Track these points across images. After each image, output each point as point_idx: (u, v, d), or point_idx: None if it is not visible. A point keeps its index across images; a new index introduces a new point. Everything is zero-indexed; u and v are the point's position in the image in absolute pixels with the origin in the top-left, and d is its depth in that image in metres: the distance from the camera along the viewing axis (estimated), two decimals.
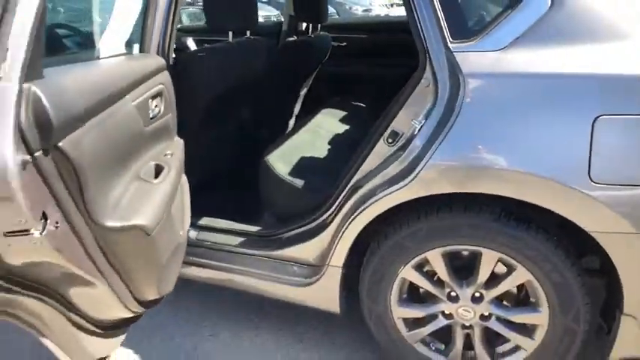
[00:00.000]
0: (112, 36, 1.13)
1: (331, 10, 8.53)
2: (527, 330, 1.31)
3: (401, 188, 1.23)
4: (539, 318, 1.27)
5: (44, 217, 0.74)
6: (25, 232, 0.71)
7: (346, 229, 1.35)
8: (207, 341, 1.65)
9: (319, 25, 2.61)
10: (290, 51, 2.45)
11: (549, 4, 1.16)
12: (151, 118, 1.19)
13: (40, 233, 0.73)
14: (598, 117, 1.06)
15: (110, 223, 0.91)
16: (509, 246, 1.22)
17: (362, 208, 1.31)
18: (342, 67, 2.81)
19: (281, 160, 1.72)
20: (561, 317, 1.24)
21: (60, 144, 0.77)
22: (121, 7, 1.17)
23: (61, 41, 1.45)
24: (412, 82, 1.30)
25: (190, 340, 1.66)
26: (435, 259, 1.30)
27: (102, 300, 0.99)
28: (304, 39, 2.56)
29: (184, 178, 1.46)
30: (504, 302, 1.34)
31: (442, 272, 1.31)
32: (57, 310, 0.92)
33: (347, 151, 1.60)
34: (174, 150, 1.32)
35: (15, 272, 0.78)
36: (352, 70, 2.82)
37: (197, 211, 1.63)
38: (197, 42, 2.93)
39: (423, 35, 1.23)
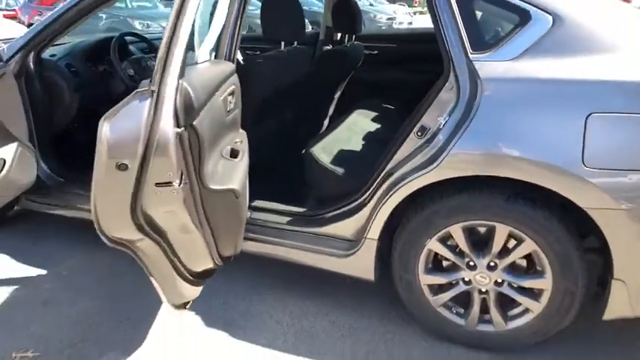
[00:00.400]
0: (204, 46, 1.44)
1: None
2: (534, 294, 1.56)
3: (428, 172, 1.50)
4: (544, 283, 1.51)
5: (181, 175, 1.05)
6: (169, 183, 1.01)
7: (381, 207, 1.62)
8: (258, 303, 1.93)
9: (354, 36, 2.90)
10: (327, 59, 2.74)
11: (551, 23, 1.42)
12: (228, 111, 1.49)
13: (179, 185, 1.02)
14: (590, 114, 1.32)
15: (212, 186, 1.21)
16: (517, 221, 1.47)
17: (395, 189, 1.58)
18: (374, 73, 3.08)
19: (324, 152, 2.01)
20: (562, 282, 1.48)
21: (194, 123, 1.07)
22: (214, 22, 1.48)
23: None
24: (438, 84, 1.57)
25: (242, 302, 1.93)
26: (456, 232, 1.56)
27: (197, 251, 1.29)
28: (339, 48, 2.86)
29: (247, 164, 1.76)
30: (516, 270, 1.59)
31: (462, 244, 1.57)
32: (165, 255, 1.22)
33: (378, 145, 1.88)
34: (242, 139, 1.62)
35: (148, 220, 1.08)
36: (383, 76, 3.09)
37: (250, 194, 1.92)
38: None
39: (448, 47, 1.51)
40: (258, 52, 3.01)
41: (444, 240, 1.61)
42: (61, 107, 2.29)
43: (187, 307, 1.43)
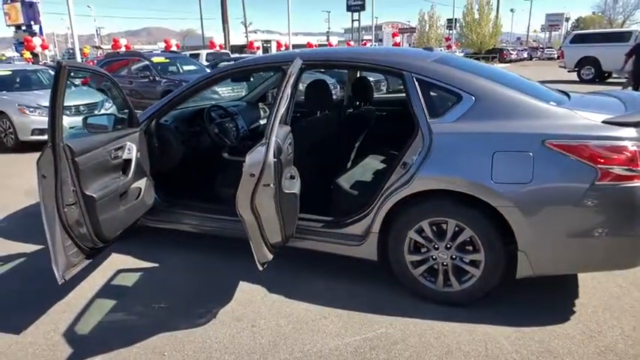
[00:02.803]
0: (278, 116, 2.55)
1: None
2: (475, 264, 2.50)
3: (405, 189, 2.52)
4: (480, 256, 2.46)
5: (274, 181, 2.14)
6: (269, 185, 2.10)
7: (379, 211, 2.63)
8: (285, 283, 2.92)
9: (368, 103, 4.02)
10: (349, 119, 3.85)
11: (474, 101, 2.47)
12: (289, 153, 2.57)
13: (272, 186, 2.11)
14: (495, 152, 2.33)
15: (286, 190, 2.28)
16: (460, 217, 2.45)
17: (387, 200, 2.59)
18: (384, 128, 4.17)
19: (345, 181, 3.05)
20: (490, 255, 2.43)
21: (280, 157, 2.17)
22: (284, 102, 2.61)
23: None
24: (413, 137, 2.61)
25: (272, 280, 2.93)
26: (425, 226, 2.55)
27: (275, 229, 2.34)
28: (357, 111, 3.97)
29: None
30: (462, 250, 2.54)
31: (429, 233, 2.55)
32: (259, 229, 2.27)
33: (382, 177, 2.90)
34: (295, 171, 2.69)
35: (256, 206, 2.17)
36: (390, 130, 4.16)
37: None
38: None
39: (416, 114, 2.56)
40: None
41: (419, 231, 2.58)
42: (169, 154, 3.44)
43: (265, 266, 2.45)
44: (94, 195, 2.46)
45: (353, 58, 3.00)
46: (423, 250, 2.62)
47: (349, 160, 4.04)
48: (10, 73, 8.60)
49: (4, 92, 7.87)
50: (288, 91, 2.20)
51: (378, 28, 71.63)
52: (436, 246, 2.56)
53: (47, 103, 7.03)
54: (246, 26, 46.95)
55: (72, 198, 2.39)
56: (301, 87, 3.89)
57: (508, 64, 33.52)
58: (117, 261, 3.29)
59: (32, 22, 34.99)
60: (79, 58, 16.48)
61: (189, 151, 3.51)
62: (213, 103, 4.24)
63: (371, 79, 4.83)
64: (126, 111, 3.08)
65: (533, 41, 77.40)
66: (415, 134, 2.58)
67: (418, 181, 2.48)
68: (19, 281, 3.07)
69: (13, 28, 34.46)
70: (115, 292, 2.90)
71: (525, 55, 44.99)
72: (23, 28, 34.56)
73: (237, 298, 2.77)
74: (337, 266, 2.99)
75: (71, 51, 29.73)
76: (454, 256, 2.54)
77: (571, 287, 2.78)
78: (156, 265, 3.24)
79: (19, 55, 29.69)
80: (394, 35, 43.16)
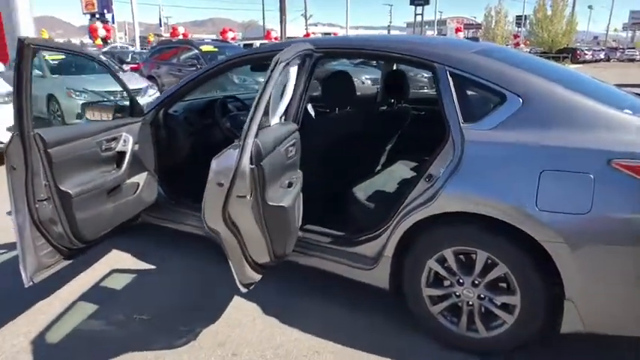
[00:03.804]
0: (276, 113, 2.16)
1: None
2: (508, 308, 2.00)
3: (426, 208, 2.05)
4: (515, 299, 1.96)
5: (251, 192, 1.75)
6: (244, 196, 1.71)
7: (394, 233, 2.19)
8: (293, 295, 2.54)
9: (402, 100, 3.53)
10: (380, 117, 3.39)
11: (521, 103, 1.95)
12: (289, 157, 2.18)
13: (249, 198, 1.72)
14: (543, 171, 1.81)
15: (270, 203, 1.89)
16: (492, 249, 1.96)
17: (404, 219, 2.14)
18: (420, 130, 3.67)
19: (362, 191, 2.62)
20: (529, 300, 1.92)
21: (261, 163, 1.78)
22: (284, 98, 2.20)
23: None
24: (442, 144, 2.13)
25: (282, 296, 2.56)
26: (449, 255, 2.07)
27: (259, 246, 1.96)
28: (390, 109, 3.50)
29: (301, 195, 2.41)
30: (494, 288, 2.04)
31: (453, 265, 2.08)
32: (238, 245, 1.90)
33: (407, 188, 2.44)
34: (298, 177, 2.30)
35: (231, 219, 1.78)
36: (427, 133, 3.66)
37: (304, 220, 2.56)
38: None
39: (448, 118, 2.09)
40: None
41: (441, 261, 2.12)
42: (177, 148, 3.15)
43: (250, 287, 2.08)
44: (69, 191, 2.20)
45: (374, 47, 2.53)
46: (445, 283, 2.15)
47: (378, 164, 3.59)
48: (64, 57, 8.79)
49: (56, 76, 8.05)
50: (273, 82, 1.80)
51: (442, 23, 69.30)
52: (461, 281, 2.08)
53: (94, 88, 7.05)
54: (306, 18, 46.97)
55: (44, 193, 2.14)
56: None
57: (580, 65, 31.05)
58: (114, 258, 3.06)
59: (105, 11, 36.89)
60: (138, 45, 16.95)
61: (199, 145, 3.20)
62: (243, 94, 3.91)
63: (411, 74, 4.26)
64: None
65: (613, 41, 71.82)
66: (445, 141, 2.10)
67: (443, 199, 2.02)
68: (10, 275, 2.90)
69: (89, 16, 36.51)
70: (101, 295, 2.65)
71: (602, 55, 41.63)
72: (97, 15, 36.51)
73: (226, 317, 2.42)
74: (340, 287, 2.57)
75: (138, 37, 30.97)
76: (482, 296, 2.05)
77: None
78: (152, 267, 2.97)
79: (92, 41, 31.31)
80: (457, 31, 41.42)
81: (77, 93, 7.47)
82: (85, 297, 2.62)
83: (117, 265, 2.98)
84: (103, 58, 9.49)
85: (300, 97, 2.49)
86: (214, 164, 1.75)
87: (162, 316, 2.44)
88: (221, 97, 3.44)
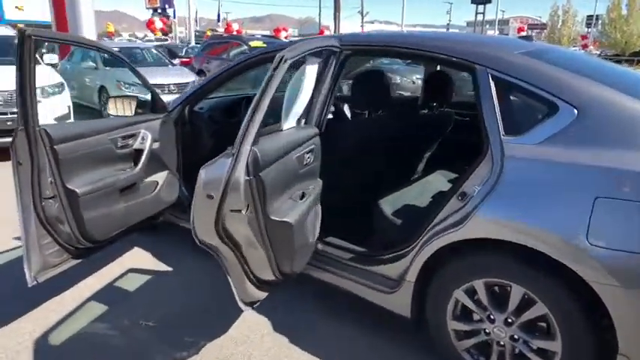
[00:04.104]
0: (291, 116, 1.96)
1: None
2: (546, 355, 1.70)
3: (455, 232, 1.79)
4: (555, 345, 1.66)
5: (247, 206, 1.56)
6: (238, 210, 1.53)
7: (419, 255, 1.93)
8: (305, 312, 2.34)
9: (445, 104, 3.23)
10: (420, 122, 3.11)
11: (576, 115, 1.64)
12: (305, 165, 1.98)
13: (244, 212, 1.53)
14: (597, 198, 1.50)
15: (273, 217, 1.69)
16: (531, 285, 1.66)
17: (431, 241, 1.88)
18: (465, 137, 3.35)
19: (389, 203, 2.37)
20: (571, 348, 1.62)
21: (260, 174, 1.59)
22: (301, 99, 1.99)
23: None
24: (480, 158, 1.85)
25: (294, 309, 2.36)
26: (479, 287, 1.80)
27: (261, 262, 1.78)
28: (431, 114, 3.21)
29: (319, 206, 2.21)
30: (530, 330, 1.75)
31: (484, 298, 1.80)
32: (238, 261, 1.72)
33: (441, 203, 2.16)
34: (315, 186, 2.09)
35: (228, 233, 1.60)
36: (472, 140, 3.33)
37: (324, 231, 2.35)
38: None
39: (487, 128, 1.80)
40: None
41: (470, 292, 1.84)
42: (201, 147, 3.03)
43: (254, 306, 1.91)
44: (77, 190, 2.12)
45: (407, 44, 2.24)
46: (474, 318, 1.88)
47: (414, 173, 3.31)
48: (118, 50, 9.06)
49: (108, 68, 8.29)
50: (275, 82, 1.59)
51: (505, 22, 66.50)
52: (492, 317, 1.80)
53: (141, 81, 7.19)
54: (362, 15, 46.48)
55: (50, 190, 2.06)
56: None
57: None
58: (132, 258, 2.99)
59: (167, 6, 38.26)
60: (193, 40, 17.32)
61: (224, 144, 3.06)
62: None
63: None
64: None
65: None
66: (482, 155, 1.83)
67: (476, 222, 1.75)
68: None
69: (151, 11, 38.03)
70: (113, 296, 2.58)
71: None
72: (159, 10, 37.91)
73: (234, 331, 2.27)
74: (361, 309, 2.33)
75: (197, 33, 31.86)
76: (516, 337, 1.76)
77: None
78: (168, 269, 2.87)
79: (153, 35, 32.52)
80: (520, 30, 39.40)
81: (126, 85, 7.65)
82: (96, 297, 2.55)
83: (134, 264, 2.90)
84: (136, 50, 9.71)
85: (325, 99, 2.28)
86: (203, 174, 1.57)
87: (168, 323, 2.32)
88: (249, 95, 3.29)
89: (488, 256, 1.78)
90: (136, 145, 2.52)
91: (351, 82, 2.75)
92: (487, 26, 41.47)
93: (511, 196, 1.70)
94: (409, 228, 2.13)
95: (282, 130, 1.88)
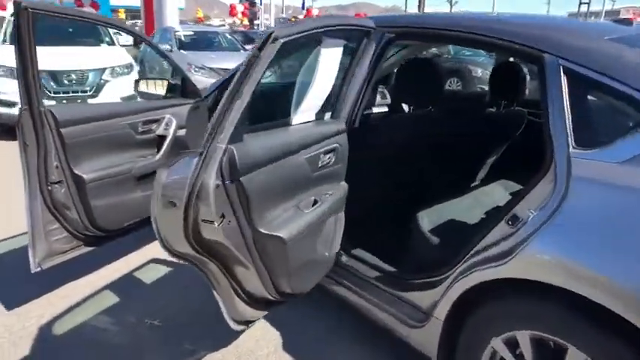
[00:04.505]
0: (303, 109, 1.65)
1: None
2: None
3: (497, 267, 1.39)
4: None
5: (222, 216, 1.29)
6: (210, 221, 1.26)
7: (452, 287, 1.56)
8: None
9: (515, 102, 2.73)
10: (483, 121, 2.66)
11: None
12: (320, 167, 1.67)
13: (218, 225, 1.26)
14: None
15: (262, 230, 1.41)
16: (597, 350, 1.23)
17: (466, 274, 1.50)
18: (536, 141, 2.83)
19: (429, 217, 1.99)
20: None
21: (242, 179, 1.31)
22: (314, 89, 1.67)
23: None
24: (539, 175, 1.43)
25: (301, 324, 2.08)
26: (524, 340, 1.39)
27: (251, 279, 1.51)
28: (497, 113, 2.73)
29: (341, 214, 1.89)
30: None
31: (528, 354, 1.39)
32: (224, 275, 1.46)
33: (492, 221, 1.75)
34: (335, 191, 1.78)
35: (205, 245, 1.35)
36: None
37: (352, 241, 2.03)
38: None
39: (552, 137, 1.37)
40: None
41: (511, 344, 1.44)
42: None
43: (249, 325, 1.65)
44: (84, 175, 1.98)
45: (459, 27, 1.77)
46: None
47: (473, 180, 2.86)
48: (193, 33, 9.24)
49: (182, 51, 8.45)
50: (260, 67, 1.27)
51: (615, 13, 60.18)
52: None
53: (212, 65, 7.23)
54: (451, 4, 44.48)
55: (56, 175, 1.94)
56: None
57: None
58: (156, 249, 2.86)
59: None
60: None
61: None
62: None
63: None
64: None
65: None
66: (543, 171, 1.40)
67: (526, 257, 1.34)
68: None
69: None
70: (127, 287, 2.46)
71: None
72: None
73: (238, 345, 2.04)
74: (383, 336, 2.00)
75: (282, 20, 32.19)
76: None
77: None
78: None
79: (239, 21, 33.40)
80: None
81: (196, 68, 7.74)
82: (111, 286, 2.45)
83: (157, 255, 2.78)
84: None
85: (360, 89, 1.94)
86: (162, 175, 1.29)
87: (173, 324, 2.17)
88: (286, 84, 3.01)
89: (538, 302, 1.36)
90: (159, 130, 2.36)
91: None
92: (593, 18, 37.72)
93: (575, 230, 1.27)
94: (447, 250, 1.75)
95: (289, 126, 1.58)
